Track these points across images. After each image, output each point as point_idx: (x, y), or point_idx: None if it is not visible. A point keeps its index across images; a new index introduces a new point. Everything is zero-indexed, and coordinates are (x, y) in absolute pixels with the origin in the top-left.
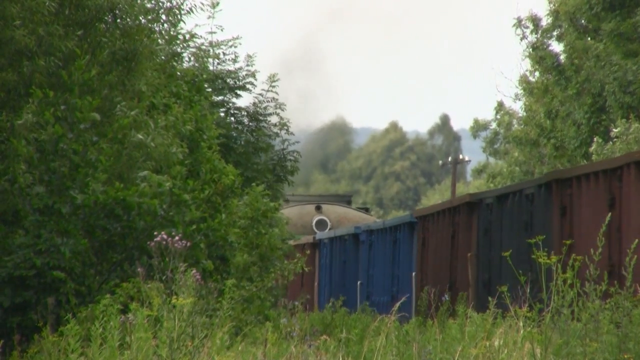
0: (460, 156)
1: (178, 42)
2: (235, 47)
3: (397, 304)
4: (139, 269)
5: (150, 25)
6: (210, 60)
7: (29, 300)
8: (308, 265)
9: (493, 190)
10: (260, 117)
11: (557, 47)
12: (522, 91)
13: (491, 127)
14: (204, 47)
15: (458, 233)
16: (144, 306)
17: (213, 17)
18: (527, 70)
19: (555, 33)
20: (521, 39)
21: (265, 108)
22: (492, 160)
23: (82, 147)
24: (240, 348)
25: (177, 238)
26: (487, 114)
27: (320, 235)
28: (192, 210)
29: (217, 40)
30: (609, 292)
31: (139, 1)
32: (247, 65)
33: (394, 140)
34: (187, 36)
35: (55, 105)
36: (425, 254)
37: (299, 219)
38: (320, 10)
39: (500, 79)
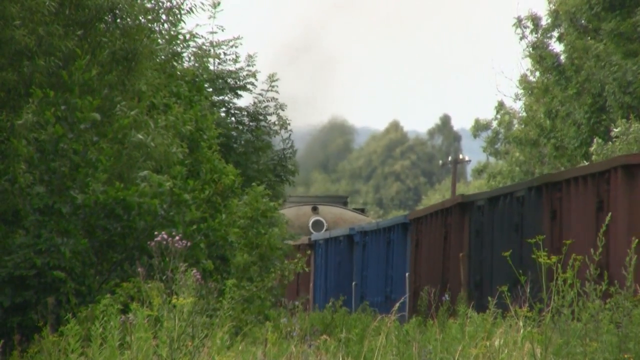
0: (461, 156)
1: (178, 42)
2: (236, 47)
3: (397, 304)
4: (139, 269)
5: (150, 25)
6: (211, 60)
7: (29, 300)
8: (305, 266)
9: (484, 192)
10: (260, 117)
11: (557, 47)
12: (522, 91)
13: (492, 127)
14: (204, 47)
15: (450, 234)
16: (144, 306)
17: (214, 17)
18: (527, 70)
19: (555, 33)
20: (521, 39)
21: (265, 108)
22: (492, 160)
23: (82, 147)
24: (240, 348)
25: (177, 238)
26: (488, 113)
27: (315, 236)
28: (192, 210)
29: (218, 41)
30: (608, 292)
31: (139, 1)
32: (248, 65)
33: (394, 140)
34: (188, 36)
35: (56, 105)
36: (418, 255)
37: (295, 219)
38: (321, 9)
39: (501, 79)
